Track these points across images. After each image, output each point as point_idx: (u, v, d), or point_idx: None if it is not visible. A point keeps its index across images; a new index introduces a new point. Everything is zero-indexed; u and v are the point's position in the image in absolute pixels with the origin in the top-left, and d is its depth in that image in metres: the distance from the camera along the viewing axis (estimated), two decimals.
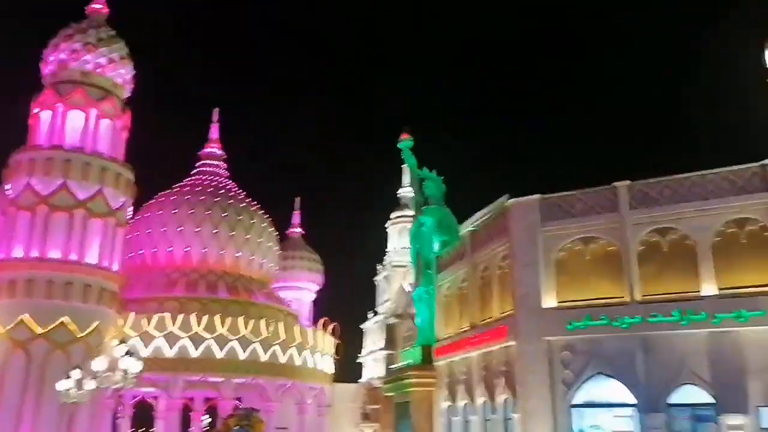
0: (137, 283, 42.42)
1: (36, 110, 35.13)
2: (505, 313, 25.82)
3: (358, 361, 57.17)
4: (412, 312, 42.97)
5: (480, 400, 27.16)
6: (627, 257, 22.98)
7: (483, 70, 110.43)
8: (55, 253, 32.47)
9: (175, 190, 47.55)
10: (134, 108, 37.77)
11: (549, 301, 24.05)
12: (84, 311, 32.60)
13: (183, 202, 45.50)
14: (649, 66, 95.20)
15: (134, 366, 19.70)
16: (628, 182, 23.67)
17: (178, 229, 44.42)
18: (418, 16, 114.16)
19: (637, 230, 23.13)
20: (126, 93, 37.91)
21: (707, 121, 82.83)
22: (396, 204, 58.05)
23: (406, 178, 56.81)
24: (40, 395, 30.34)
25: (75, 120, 34.79)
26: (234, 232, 45.36)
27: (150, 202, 46.67)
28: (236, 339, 39.09)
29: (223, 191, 47.72)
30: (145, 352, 35.84)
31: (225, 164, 51.32)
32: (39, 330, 31.19)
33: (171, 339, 37.88)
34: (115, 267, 34.90)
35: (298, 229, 59.22)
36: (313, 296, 57.80)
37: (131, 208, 37.68)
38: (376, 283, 57.73)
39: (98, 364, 20.23)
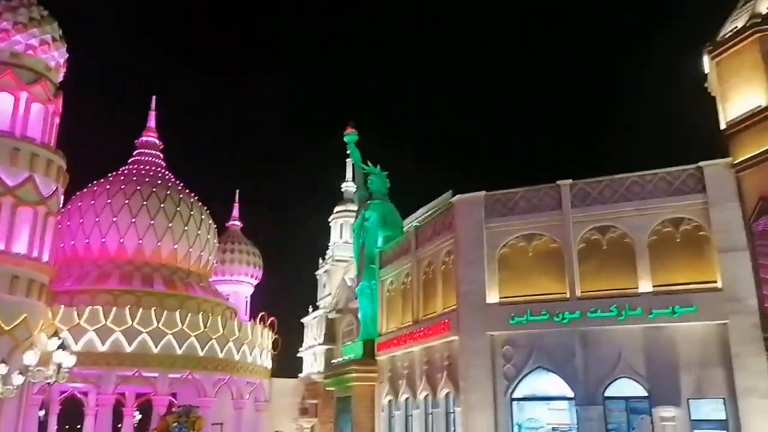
0: (68, 275, 41.01)
1: None
2: (449, 308, 26.00)
3: (297, 356, 56.73)
4: (353, 307, 42.97)
5: (422, 394, 27.30)
6: (568, 254, 23.47)
7: (427, 64, 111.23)
8: None
9: (109, 178, 46.02)
10: (67, 93, 36.33)
11: (492, 296, 24.35)
12: (11, 303, 31.14)
13: (118, 192, 44.09)
14: (595, 66, 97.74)
15: (68, 360, 18.88)
16: (570, 181, 24.16)
17: (113, 220, 43.06)
18: (362, 3, 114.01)
19: (578, 228, 23.63)
20: (59, 77, 36.41)
21: (648, 123, 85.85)
22: (339, 198, 57.82)
23: (349, 172, 56.63)
24: None
25: (4, 103, 33.17)
26: (171, 224, 44.28)
27: (83, 191, 45.08)
28: (172, 333, 38.24)
29: (160, 181, 46.46)
30: (77, 346, 34.57)
31: (162, 154, 49.99)
32: None
33: (104, 333, 36.74)
34: (45, 257, 33.46)
35: (237, 222, 58.39)
36: (251, 290, 57.12)
37: (63, 197, 36.25)
38: (317, 278, 57.37)
39: (29, 357, 19.30)
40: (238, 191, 59.16)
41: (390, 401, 29.97)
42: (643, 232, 22.64)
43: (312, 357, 53.49)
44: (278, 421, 45.25)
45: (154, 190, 44.80)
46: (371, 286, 33.00)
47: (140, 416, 52.20)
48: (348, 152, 38.19)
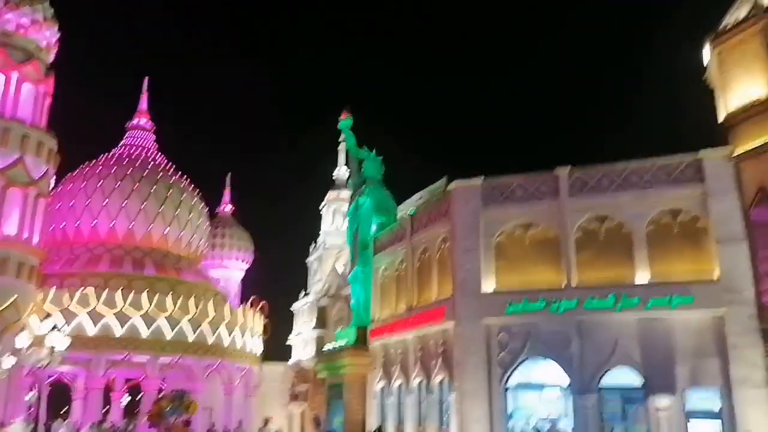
0: (58, 258, 40.64)
1: None
2: (444, 296, 25.90)
3: (288, 342, 56.60)
4: (344, 293, 42.80)
5: (416, 381, 27.25)
6: (565, 243, 23.37)
7: (421, 49, 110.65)
8: None
9: (100, 161, 45.51)
10: (58, 74, 35.81)
11: (488, 284, 24.26)
12: (0, 285, 30.82)
13: (109, 175, 43.65)
14: (595, 55, 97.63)
15: (61, 342, 18.65)
16: (568, 168, 23.98)
17: (104, 203, 42.63)
18: None
19: (576, 217, 23.51)
20: (50, 57, 35.93)
21: (648, 113, 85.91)
22: (331, 184, 57.50)
23: (342, 158, 56.34)
24: None
25: None
26: (163, 208, 43.91)
27: (74, 173, 44.54)
28: (163, 317, 37.99)
29: (151, 165, 46.01)
30: (67, 330, 34.13)
31: (154, 137, 49.46)
32: None
33: (94, 316, 36.46)
34: (36, 240, 33.14)
35: (229, 207, 58.10)
36: (242, 275, 56.93)
37: (53, 179, 35.83)
38: (308, 264, 57.18)
39: (22, 340, 19.05)
40: (229, 176, 59.01)
41: (383, 388, 29.92)
42: (641, 222, 22.57)
43: (302, 343, 53.38)
44: (268, 406, 45.12)
45: (145, 173, 44.37)
46: (365, 272, 32.80)
47: (128, 399, 51.95)
48: (341, 138, 37.92)
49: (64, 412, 46.86)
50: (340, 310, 45.53)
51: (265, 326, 45.89)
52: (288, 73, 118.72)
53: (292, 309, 57.07)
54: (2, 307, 30.50)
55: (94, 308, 36.42)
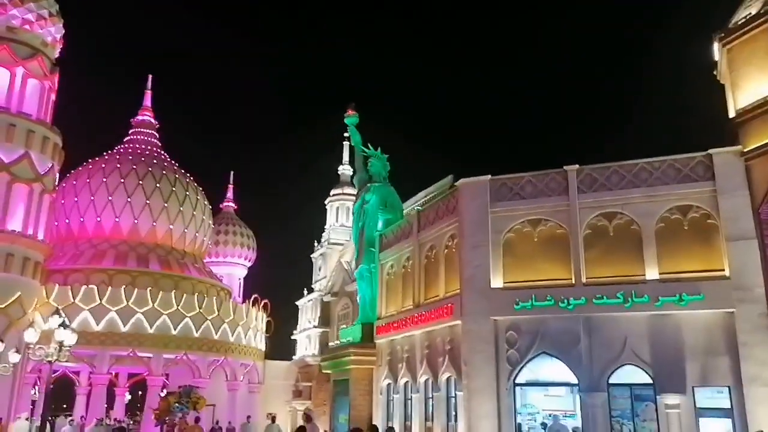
0: (63, 254, 40.57)
1: None
2: (451, 292, 25.83)
3: (291, 338, 56.52)
4: (349, 290, 42.75)
5: (422, 378, 27.19)
6: (574, 240, 23.28)
7: (428, 46, 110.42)
8: None
9: (105, 157, 45.36)
10: (63, 70, 35.73)
11: (496, 281, 24.18)
12: (5, 281, 30.86)
13: (113, 171, 43.50)
14: (605, 51, 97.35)
15: (70, 338, 18.59)
16: (577, 166, 23.91)
17: (108, 199, 42.51)
18: None
19: (585, 214, 23.43)
20: (55, 53, 35.80)
21: (648, 113, 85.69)
22: (335, 181, 57.37)
23: (346, 155, 56.21)
24: None
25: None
26: (167, 204, 43.80)
27: (78, 169, 44.47)
28: (167, 313, 37.93)
29: (156, 161, 45.89)
30: (71, 326, 34.09)
31: (158, 133, 49.37)
32: None
33: (99, 312, 36.33)
34: (41, 235, 33.06)
35: (232, 204, 58.06)
36: (245, 272, 56.88)
37: (58, 175, 35.76)
38: (312, 261, 57.07)
39: (29, 335, 18.98)
40: (232, 172, 59.15)
41: (389, 384, 29.88)
42: (651, 219, 22.47)
43: (306, 340, 53.26)
44: (271, 403, 44.98)
45: (149, 169, 44.26)
46: (370, 270, 32.78)
47: (129, 397, 51.97)
48: (346, 135, 37.84)
49: (67, 408, 46.86)
50: (344, 306, 45.47)
51: (268, 323, 45.90)
52: (291, 71, 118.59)
53: (296, 304, 56.97)
54: (7, 303, 30.45)
55: (99, 304, 36.35)
